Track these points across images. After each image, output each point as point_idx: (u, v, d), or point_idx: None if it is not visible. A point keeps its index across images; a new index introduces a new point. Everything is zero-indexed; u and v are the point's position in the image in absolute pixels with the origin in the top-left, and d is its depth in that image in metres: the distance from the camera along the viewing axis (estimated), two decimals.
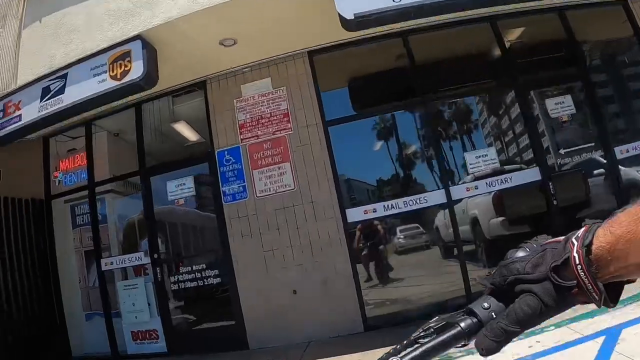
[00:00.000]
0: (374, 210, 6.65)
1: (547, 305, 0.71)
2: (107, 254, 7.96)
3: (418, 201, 6.61)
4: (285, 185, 6.74)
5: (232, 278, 6.76)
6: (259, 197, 6.78)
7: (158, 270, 7.15)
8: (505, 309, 0.76)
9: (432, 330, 0.79)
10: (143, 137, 7.64)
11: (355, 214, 6.67)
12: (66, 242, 8.39)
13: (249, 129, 6.97)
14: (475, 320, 0.78)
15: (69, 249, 8.41)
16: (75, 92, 6.29)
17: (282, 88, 7.01)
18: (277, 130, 6.90)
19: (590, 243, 0.68)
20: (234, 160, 6.93)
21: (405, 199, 6.63)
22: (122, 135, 8.61)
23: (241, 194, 6.83)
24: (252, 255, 6.70)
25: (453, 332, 0.77)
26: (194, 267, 7.08)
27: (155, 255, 7.19)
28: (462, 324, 0.78)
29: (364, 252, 6.99)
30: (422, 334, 0.79)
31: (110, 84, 6.02)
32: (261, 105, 7.02)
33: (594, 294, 0.68)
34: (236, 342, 6.67)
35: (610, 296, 0.70)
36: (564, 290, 0.71)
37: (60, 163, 8.47)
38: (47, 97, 6.54)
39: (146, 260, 7.26)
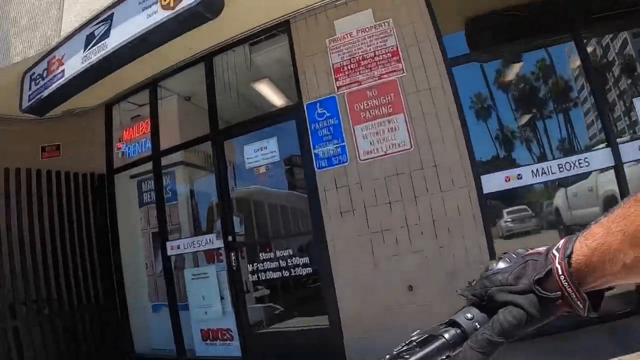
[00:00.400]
0: (519, 177, 4.83)
1: (531, 316, 0.71)
2: (177, 236, 6.65)
3: (577, 164, 4.73)
4: (399, 144, 5.04)
5: (327, 268, 5.15)
6: (363, 160, 5.13)
7: (233, 257, 5.68)
8: (488, 319, 0.75)
9: (414, 343, 0.76)
10: (215, 94, 6.23)
11: (494, 182, 4.87)
12: (131, 223, 7.23)
13: (346, 73, 5.34)
14: (459, 331, 0.76)
15: (135, 231, 7.27)
16: (121, 33, 5.17)
17: (386, 20, 5.32)
18: (384, 74, 5.22)
19: (570, 254, 0.68)
20: (328, 114, 5.31)
21: (559, 161, 4.78)
22: (195, 100, 7.28)
23: (339, 157, 5.20)
24: (354, 237, 5.06)
25: (437, 343, 0.75)
26: (278, 253, 5.52)
27: (230, 238, 5.73)
28: (446, 335, 0.76)
29: (505, 234, 5.26)
30: (404, 348, 0.76)
31: (162, 16, 4.85)
32: (361, 44, 5.37)
33: (578, 302, 0.69)
34: (330, 350, 5.08)
35: (592, 305, 0.69)
36: (548, 302, 0.70)
37: (124, 133, 7.26)
38: (90, 45, 5.47)
39: (218, 243, 5.83)
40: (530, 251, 0.77)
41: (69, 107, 7.16)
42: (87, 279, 6.49)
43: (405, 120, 5.04)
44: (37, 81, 6.11)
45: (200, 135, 6.34)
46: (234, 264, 5.64)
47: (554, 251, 0.71)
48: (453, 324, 0.78)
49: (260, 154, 5.66)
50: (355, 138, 5.16)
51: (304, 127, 5.40)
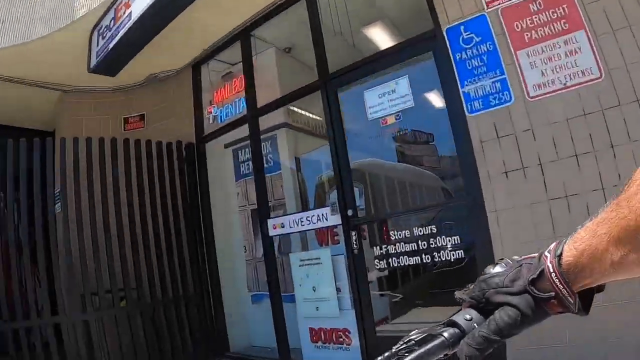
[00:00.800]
0: None
1: (525, 315, 0.73)
2: (281, 212, 5.52)
3: None
4: (582, 73, 3.47)
5: (485, 248, 3.70)
6: (533, 98, 3.61)
7: (354, 237, 4.40)
8: (483, 318, 0.78)
9: (413, 342, 0.76)
10: (321, 31, 5.00)
11: None
12: (227, 199, 6.25)
13: None
14: (457, 331, 0.77)
15: (231, 208, 6.25)
16: None
17: None
18: None
19: (561, 255, 0.71)
20: (478, 39, 3.84)
21: None
22: (296, 53, 6.12)
23: (499, 95, 3.71)
24: (526, 206, 3.59)
25: (436, 342, 0.75)
26: (416, 232, 4.14)
27: (350, 212, 4.45)
28: (446, 334, 0.76)
29: None
30: (403, 346, 0.76)
31: None
32: None
33: (569, 299, 0.71)
34: None
35: (583, 305, 0.72)
36: (542, 301, 0.73)
37: (215, 95, 6.24)
38: None
39: (334, 220, 4.56)
40: (525, 256, 0.79)
41: (152, 71, 6.32)
42: (173, 265, 5.50)
43: (588, 39, 3.50)
44: (104, 34, 5.22)
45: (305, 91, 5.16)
46: (354, 246, 4.36)
47: (546, 253, 0.74)
48: (452, 324, 0.78)
49: (387, 99, 4.32)
50: (520, 67, 3.67)
51: (445, 59, 3.98)
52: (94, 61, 5.36)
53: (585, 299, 0.72)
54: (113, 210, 5.19)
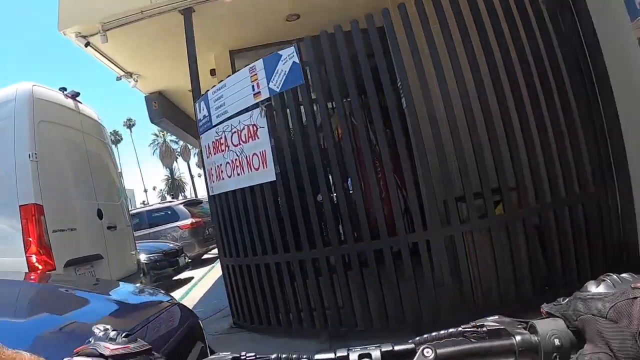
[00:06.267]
0: None
1: None
2: None
3: None
4: None
5: None
6: None
7: None
8: (574, 341, 0.61)
9: (485, 329, 0.64)
10: None
11: None
12: (624, 53, 4.26)
13: None
14: (534, 340, 0.62)
15: (635, 65, 4.28)
16: None
17: None
18: None
19: None
20: None
21: None
22: None
23: None
24: None
25: (505, 343, 0.62)
26: None
27: None
28: (518, 338, 0.62)
29: None
30: (471, 329, 0.65)
31: None
32: None
33: None
34: None
35: None
36: None
37: None
38: None
39: None
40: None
41: None
42: (564, 155, 4.02)
43: None
44: None
45: None
46: None
47: None
48: (532, 330, 0.63)
49: None
50: None
51: None
52: None
53: None
54: (467, 92, 4.08)
